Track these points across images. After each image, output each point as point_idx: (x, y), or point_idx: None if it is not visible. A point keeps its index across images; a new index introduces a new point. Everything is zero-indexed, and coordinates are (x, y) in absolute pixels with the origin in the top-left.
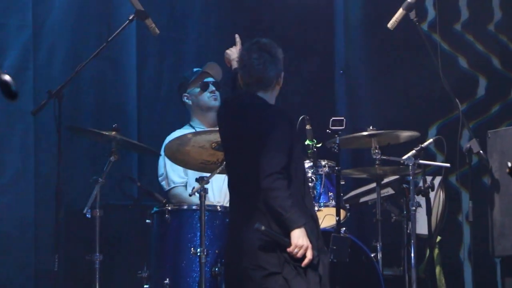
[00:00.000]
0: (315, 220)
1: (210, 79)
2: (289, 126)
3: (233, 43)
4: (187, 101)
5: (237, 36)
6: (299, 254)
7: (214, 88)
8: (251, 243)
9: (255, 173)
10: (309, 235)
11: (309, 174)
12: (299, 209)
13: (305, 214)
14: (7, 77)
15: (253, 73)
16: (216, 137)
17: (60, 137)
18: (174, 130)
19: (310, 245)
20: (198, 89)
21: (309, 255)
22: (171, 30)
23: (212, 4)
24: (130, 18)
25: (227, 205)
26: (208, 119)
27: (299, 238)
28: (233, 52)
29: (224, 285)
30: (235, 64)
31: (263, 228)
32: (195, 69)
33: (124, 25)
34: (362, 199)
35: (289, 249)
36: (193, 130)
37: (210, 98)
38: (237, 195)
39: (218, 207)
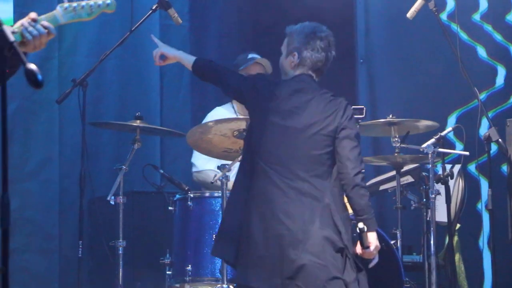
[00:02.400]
0: None
1: (257, 72)
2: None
3: (253, 33)
4: None
5: (152, 36)
6: (374, 254)
7: None
8: (316, 238)
9: (323, 163)
10: None
11: None
12: None
13: None
14: (32, 66)
15: (320, 60)
16: (238, 125)
17: (84, 125)
18: (196, 118)
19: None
20: None
21: (376, 258)
22: (193, 19)
23: None
24: (153, 7)
25: None
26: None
27: (377, 239)
28: (171, 49)
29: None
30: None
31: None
32: (249, 56)
33: (148, 14)
34: (382, 187)
35: (369, 250)
36: (233, 110)
37: None
38: (284, 178)
39: None
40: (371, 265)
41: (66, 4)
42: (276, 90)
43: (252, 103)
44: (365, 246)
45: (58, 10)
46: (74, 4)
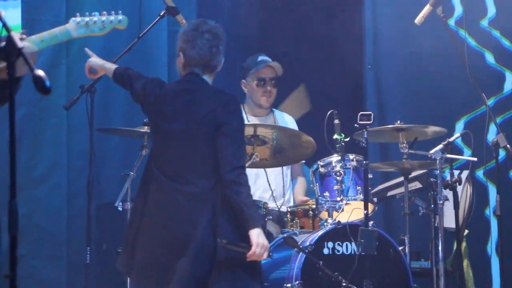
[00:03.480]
0: None
1: (268, 76)
2: (242, 115)
3: (261, 37)
4: (243, 88)
5: (86, 49)
6: (259, 253)
7: (268, 88)
8: (196, 243)
9: (207, 163)
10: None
11: (338, 168)
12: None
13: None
14: (40, 72)
15: (204, 56)
16: (246, 131)
17: (92, 131)
18: None
19: (268, 246)
20: (254, 83)
21: (265, 256)
22: None
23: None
24: (161, 14)
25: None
26: (255, 112)
27: (259, 236)
28: (97, 61)
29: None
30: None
31: (224, 241)
32: (260, 58)
33: (155, 21)
34: (390, 193)
35: (250, 253)
36: (244, 112)
37: (263, 97)
38: (173, 182)
39: None
40: (249, 258)
41: (79, 19)
42: (162, 94)
43: (144, 108)
44: (243, 251)
45: (71, 24)
46: (87, 19)
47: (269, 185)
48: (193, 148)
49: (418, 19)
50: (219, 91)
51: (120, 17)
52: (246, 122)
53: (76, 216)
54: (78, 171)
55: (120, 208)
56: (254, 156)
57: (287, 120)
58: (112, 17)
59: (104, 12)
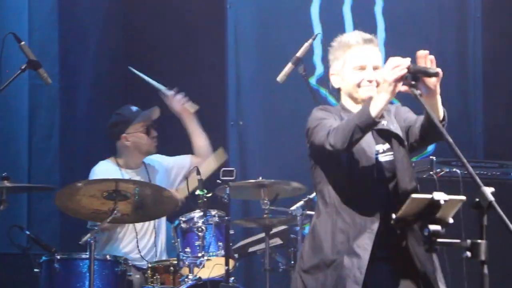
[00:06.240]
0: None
1: (151, 121)
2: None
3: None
4: (124, 142)
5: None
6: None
7: (155, 133)
8: None
9: None
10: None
11: (199, 224)
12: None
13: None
14: None
15: None
16: (107, 186)
17: None
18: (65, 179)
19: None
20: (142, 133)
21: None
22: (63, 79)
23: (104, 53)
24: (23, 67)
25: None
26: (139, 161)
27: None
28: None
29: None
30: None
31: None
32: (134, 109)
33: (16, 74)
34: (251, 249)
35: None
36: (117, 166)
37: (152, 144)
38: None
39: (108, 256)
40: None
41: None
42: None
43: None
44: None
45: None
46: None
47: (137, 242)
48: None
49: (280, 77)
50: None
51: None
52: (122, 176)
53: None
54: None
55: None
56: (115, 212)
57: (159, 162)
58: None
59: None
